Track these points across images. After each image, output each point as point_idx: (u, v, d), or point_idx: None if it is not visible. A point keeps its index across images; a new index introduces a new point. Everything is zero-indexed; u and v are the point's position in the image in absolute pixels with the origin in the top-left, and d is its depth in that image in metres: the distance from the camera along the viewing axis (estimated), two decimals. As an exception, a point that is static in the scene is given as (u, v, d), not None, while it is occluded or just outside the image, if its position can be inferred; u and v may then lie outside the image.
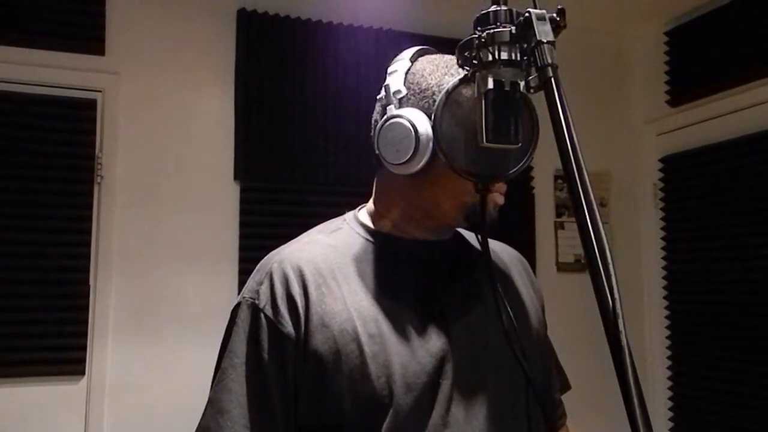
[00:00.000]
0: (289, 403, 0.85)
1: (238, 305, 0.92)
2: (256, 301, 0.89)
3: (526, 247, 2.87)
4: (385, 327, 0.86)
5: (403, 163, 0.87)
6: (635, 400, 0.53)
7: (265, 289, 0.90)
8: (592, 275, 0.58)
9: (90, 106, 2.37)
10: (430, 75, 0.91)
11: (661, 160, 2.99)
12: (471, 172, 0.82)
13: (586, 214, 0.59)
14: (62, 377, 2.25)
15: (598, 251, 0.58)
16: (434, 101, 0.86)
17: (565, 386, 1.10)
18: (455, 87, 0.82)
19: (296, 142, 2.58)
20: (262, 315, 0.87)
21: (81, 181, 2.33)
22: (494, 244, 1.03)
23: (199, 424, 0.89)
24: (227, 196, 2.51)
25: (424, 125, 0.85)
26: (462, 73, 0.84)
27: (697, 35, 2.84)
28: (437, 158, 0.85)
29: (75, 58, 2.36)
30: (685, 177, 2.90)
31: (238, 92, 2.54)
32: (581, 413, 2.18)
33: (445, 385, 0.85)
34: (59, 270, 2.29)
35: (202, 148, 2.51)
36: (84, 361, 2.27)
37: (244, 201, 2.52)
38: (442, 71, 0.90)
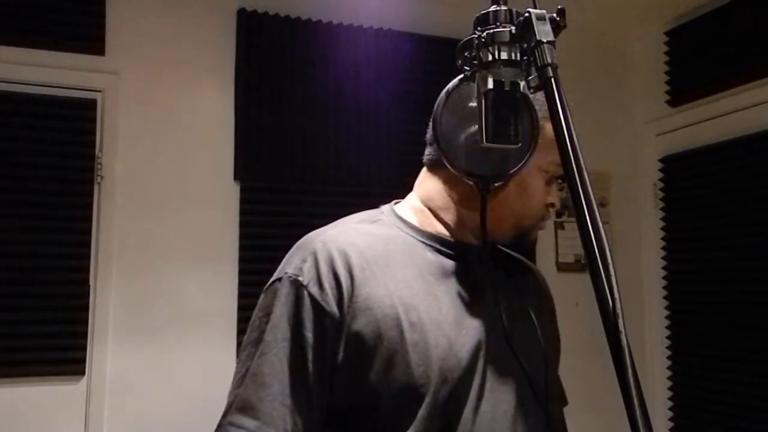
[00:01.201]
0: (325, 383, 0.85)
1: (278, 281, 0.90)
2: (300, 278, 0.87)
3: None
4: (426, 318, 0.86)
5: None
6: (635, 400, 0.53)
7: (309, 267, 0.87)
8: (592, 275, 0.58)
9: (90, 106, 2.37)
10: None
11: (661, 160, 2.99)
12: (471, 173, 0.82)
13: (586, 214, 0.59)
14: (62, 377, 2.25)
15: (598, 251, 0.58)
16: None
17: (564, 401, 1.10)
18: (455, 87, 0.82)
19: (296, 142, 2.58)
20: (305, 292, 0.86)
21: (81, 181, 2.33)
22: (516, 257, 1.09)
23: (239, 393, 0.87)
24: (227, 196, 2.51)
25: None
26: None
27: (697, 35, 2.84)
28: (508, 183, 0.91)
29: (75, 58, 2.36)
30: (685, 177, 2.90)
31: (238, 92, 2.54)
32: (581, 413, 2.18)
33: (477, 381, 0.87)
34: (59, 270, 2.28)
35: (202, 148, 2.51)
36: (84, 361, 2.27)
37: (244, 201, 2.52)
38: None
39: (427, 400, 0.83)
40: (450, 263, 0.93)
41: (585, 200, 0.59)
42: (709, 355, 2.70)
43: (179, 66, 2.50)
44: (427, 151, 0.97)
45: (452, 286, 0.92)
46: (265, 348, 0.87)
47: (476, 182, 0.85)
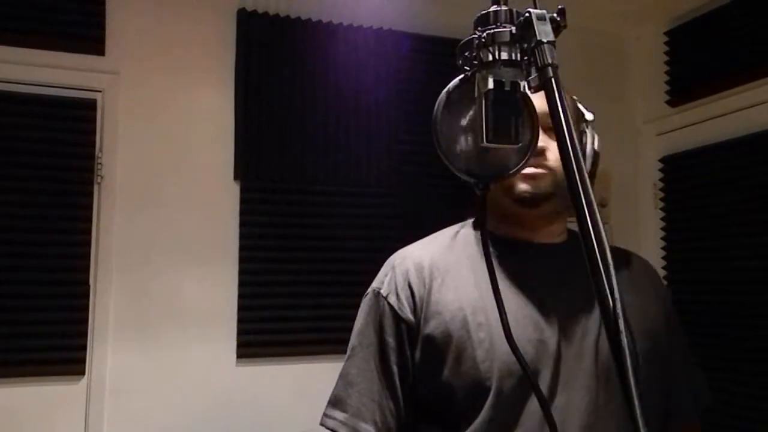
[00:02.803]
0: (409, 380, 0.98)
1: (368, 294, 1.05)
2: (382, 290, 1.02)
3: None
4: (492, 317, 0.93)
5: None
6: (635, 400, 0.53)
7: (389, 280, 1.02)
8: (592, 275, 0.58)
9: (90, 106, 2.37)
10: None
11: (661, 160, 2.99)
12: (471, 172, 0.82)
13: (586, 213, 0.59)
14: (62, 377, 2.25)
15: (598, 251, 0.58)
16: None
17: (700, 399, 1.12)
18: (455, 87, 0.82)
19: (296, 142, 2.58)
20: (385, 302, 1.01)
21: (81, 181, 2.33)
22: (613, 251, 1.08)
23: (333, 392, 1.02)
24: (227, 196, 2.51)
25: None
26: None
27: (697, 35, 2.84)
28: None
29: (75, 58, 2.36)
30: (685, 177, 2.90)
31: (238, 92, 2.54)
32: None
33: (545, 374, 0.93)
34: (59, 270, 2.28)
35: (202, 148, 2.51)
36: (84, 361, 2.27)
37: (244, 201, 2.52)
38: None
39: (492, 392, 0.91)
40: (521, 264, 1.01)
41: (585, 200, 0.59)
42: (709, 355, 2.70)
43: (179, 66, 2.50)
44: None
45: (523, 285, 0.98)
46: (351, 352, 1.03)
47: (476, 182, 0.85)
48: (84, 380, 2.27)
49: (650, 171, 3.04)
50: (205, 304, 2.43)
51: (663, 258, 2.97)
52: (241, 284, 2.47)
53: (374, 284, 1.05)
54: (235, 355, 2.43)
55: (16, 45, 2.29)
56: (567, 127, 0.62)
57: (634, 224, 3.09)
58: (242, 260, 2.48)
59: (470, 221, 1.11)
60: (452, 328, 0.95)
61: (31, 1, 2.34)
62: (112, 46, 2.42)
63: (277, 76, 2.58)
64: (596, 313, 0.95)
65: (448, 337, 0.94)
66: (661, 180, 3.00)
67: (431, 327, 0.96)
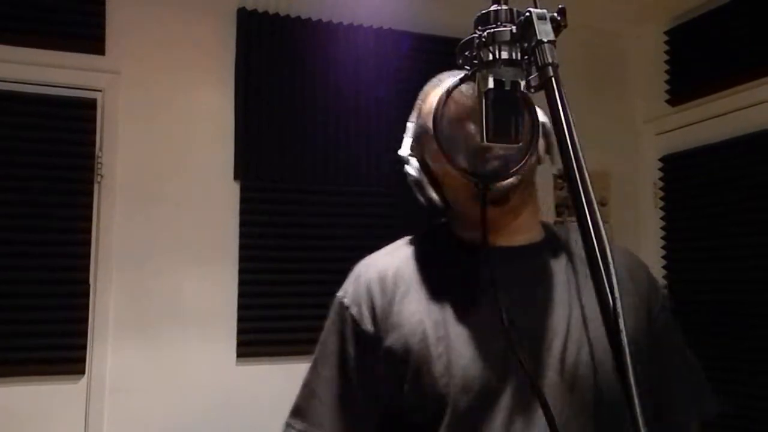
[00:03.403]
0: (370, 392, 0.95)
1: (335, 300, 1.03)
2: (344, 300, 1.00)
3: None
4: (453, 330, 0.91)
5: (430, 205, 0.99)
6: (635, 400, 0.53)
7: (352, 290, 1.00)
8: (592, 275, 0.58)
9: (90, 105, 2.37)
10: (415, 125, 1.04)
11: (661, 160, 2.99)
12: (471, 172, 0.82)
13: (587, 213, 0.59)
14: (62, 377, 2.25)
15: (599, 251, 0.58)
16: (421, 146, 1.00)
17: (704, 411, 1.03)
18: (455, 86, 0.82)
19: (296, 141, 2.58)
20: (347, 313, 0.98)
21: (81, 181, 2.33)
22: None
23: (295, 402, 1.01)
24: (227, 196, 2.51)
25: (419, 174, 0.99)
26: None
27: (697, 35, 2.84)
28: (444, 188, 0.96)
29: (75, 58, 2.36)
30: (685, 177, 2.90)
31: (238, 92, 2.54)
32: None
33: (509, 390, 0.88)
34: (59, 270, 2.28)
35: (202, 148, 2.51)
36: (84, 360, 2.27)
37: (244, 201, 2.52)
38: (422, 112, 1.02)
39: (449, 409, 0.87)
40: (482, 269, 0.93)
41: (585, 199, 0.59)
42: (709, 355, 2.70)
43: (179, 66, 2.50)
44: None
45: (486, 292, 0.90)
46: (316, 362, 1.01)
47: (476, 182, 0.85)
48: (84, 380, 2.27)
49: (650, 171, 3.04)
50: (205, 303, 2.42)
51: (663, 258, 2.97)
52: (241, 284, 2.47)
53: (339, 292, 1.03)
54: (235, 355, 2.43)
55: (16, 45, 2.29)
56: (567, 127, 0.62)
57: (634, 224, 3.09)
58: (242, 260, 2.48)
59: (431, 229, 1.07)
60: (412, 341, 0.91)
61: (31, 1, 2.34)
62: (112, 46, 2.42)
63: (277, 76, 2.58)
64: (563, 323, 0.91)
65: (408, 350, 0.91)
66: (661, 180, 3.00)
67: (391, 340, 0.93)
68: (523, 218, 0.99)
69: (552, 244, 1.01)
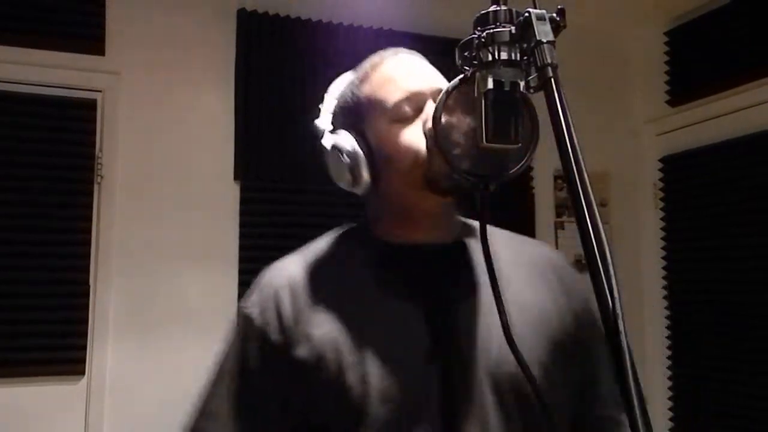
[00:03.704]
0: (276, 408, 0.88)
1: (237, 312, 0.96)
2: (248, 310, 0.93)
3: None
4: (368, 337, 0.86)
5: (351, 185, 0.92)
6: (635, 400, 0.52)
7: (256, 299, 0.93)
8: (592, 275, 0.57)
9: (90, 106, 2.37)
10: (343, 94, 1.00)
11: (661, 160, 2.99)
12: (471, 173, 0.82)
13: (586, 214, 0.59)
14: (62, 377, 2.25)
15: (598, 251, 0.57)
16: (355, 116, 0.94)
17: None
18: (455, 87, 0.82)
19: (296, 142, 2.57)
20: (253, 323, 0.91)
21: (81, 181, 2.33)
22: (507, 239, 0.98)
23: (189, 421, 0.94)
24: (227, 196, 2.51)
25: (352, 144, 0.91)
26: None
27: (697, 35, 2.84)
28: (381, 165, 0.90)
29: (75, 58, 2.36)
30: (685, 177, 2.90)
31: (238, 92, 2.54)
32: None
33: (435, 399, 0.83)
34: (59, 270, 2.29)
35: (202, 148, 2.51)
36: (84, 361, 2.27)
37: (244, 201, 2.52)
38: (354, 81, 0.99)
39: (368, 421, 0.82)
40: (403, 271, 0.91)
41: (585, 200, 0.59)
42: (709, 355, 2.70)
43: (179, 66, 2.50)
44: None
45: (405, 295, 0.88)
46: (214, 378, 0.94)
47: (476, 182, 0.85)
48: (84, 380, 2.27)
49: (650, 171, 3.04)
50: (205, 304, 2.42)
51: (663, 258, 2.97)
52: (241, 284, 2.47)
53: (242, 302, 0.95)
54: (235, 355, 2.43)
55: (16, 45, 2.30)
56: (567, 127, 0.62)
57: (634, 224, 3.09)
58: (242, 260, 2.48)
59: (353, 225, 1.01)
60: (322, 351, 0.85)
61: (31, 1, 2.34)
62: (112, 46, 2.42)
63: (277, 77, 2.58)
64: (494, 330, 0.84)
65: (318, 362, 0.85)
66: (661, 180, 3.00)
67: (302, 350, 0.86)
68: (450, 212, 0.97)
69: (470, 238, 0.97)
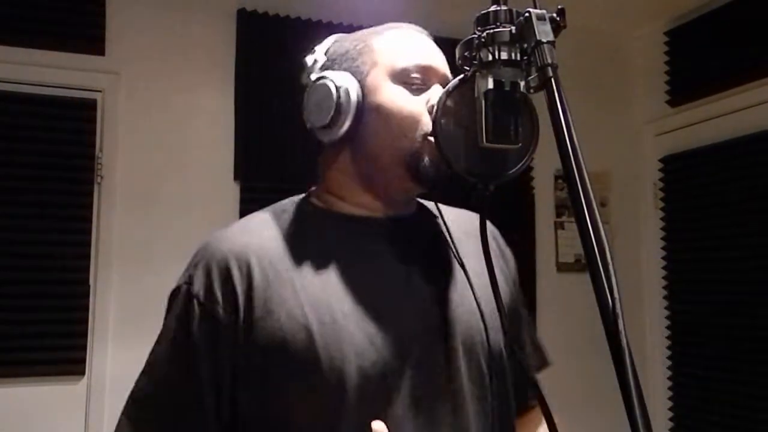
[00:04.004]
0: (224, 399, 0.81)
1: (173, 291, 0.87)
2: (191, 287, 0.84)
3: (526, 247, 2.87)
4: (339, 313, 0.80)
5: (328, 125, 0.85)
6: (635, 400, 0.52)
7: (200, 274, 0.84)
8: (592, 275, 0.57)
9: (90, 106, 2.37)
10: (346, 40, 0.94)
11: (661, 160, 2.99)
12: (471, 173, 0.82)
13: (586, 214, 0.59)
14: (62, 377, 2.25)
15: (598, 251, 0.57)
16: (357, 60, 0.89)
17: (543, 364, 1.02)
18: (455, 87, 0.82)
19: (296, 142, 2.57)
20: (195, 301, 0.82)
21: (81, 181, 2.33)
22: (452, 213, 0.99)
23: (124, 415, 0.89)
24: (227, 196, 2.51)
25: (347, 82, 0.86)
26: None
27: (697, 35, 2.84)
28: (368, 119, 0.86)
29: (75, 58, 2.36)
30: (685, 177, 2.90)
31: (238, 92, 2.54)
32: (582, 412, 2.18)
33: (409, 373, 0.81)
34: (59, 270, 2.29)
35: (202, 148, 2.51)
36: (84, 361, 2.27)
37: (244, 201, 2.52)
38: (359, 35, 0.95)
39: (345, 401, 0.77)
40: (366, 243, 0.88)
41: (585, 200, 0.59)
42: (709, 355, 2.70)
43: (179, 66, 2.50)
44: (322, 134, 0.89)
45: (375, 269, 0.86)
46: (151, 366, 0.89)
47: (476, 182, 0.85)
48: (84, 380, 2.27)
49: (650, 171, 3.05)
50: (205, 304, 2.42)
51: (663, 258, 2.97)
52: (241, 284, 2.47)
53: (181, 278, 0.86)
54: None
55: (16, 45, 2.29)
56: (567, 127, 0.62)
57: (634, 224, 3.10)
58: (242, 260, 2.48)
59: (300, 197, 0.94)
60: (289, 330, 0.78)
61: (31, 1, 2.34)
62: (112, 46, 2.42)
63: (277, 76, 2.58)
64: (466, 301, 0.86)
65: (284, 342, 0.78)
66: (661, 180, 3.00)
67: (262, 330, 0.78)
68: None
69: (426, 212, 0.98)
